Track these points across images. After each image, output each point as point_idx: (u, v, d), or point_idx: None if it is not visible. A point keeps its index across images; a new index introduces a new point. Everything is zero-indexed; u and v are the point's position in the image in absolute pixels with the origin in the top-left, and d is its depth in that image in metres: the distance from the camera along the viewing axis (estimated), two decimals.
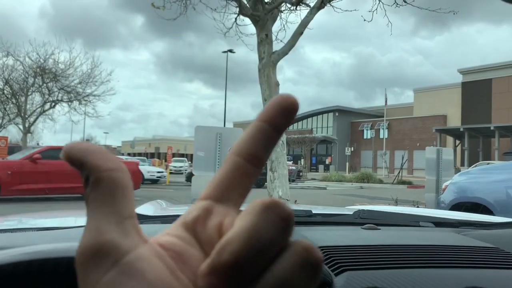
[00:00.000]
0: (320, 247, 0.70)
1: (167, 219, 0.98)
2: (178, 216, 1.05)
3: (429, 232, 0.87)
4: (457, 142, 38.96)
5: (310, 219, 0.93)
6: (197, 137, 4.82)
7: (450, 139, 39.95)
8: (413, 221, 0.94)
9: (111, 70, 20.40)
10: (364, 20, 6.21)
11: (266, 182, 5.47)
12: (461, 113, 41.20)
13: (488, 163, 19.73)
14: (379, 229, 0.85)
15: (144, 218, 0.99)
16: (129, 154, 56.67)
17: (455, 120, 41.51)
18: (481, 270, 0.63)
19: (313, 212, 0.96)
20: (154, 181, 22.13)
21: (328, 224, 0.92)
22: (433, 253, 0.68)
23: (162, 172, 23.24)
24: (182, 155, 54.01)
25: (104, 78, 19.11)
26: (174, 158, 38.98)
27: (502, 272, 0.63)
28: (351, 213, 0.97)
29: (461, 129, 37.20)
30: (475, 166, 20.75)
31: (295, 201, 6.23)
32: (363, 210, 0.95)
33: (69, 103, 18.81)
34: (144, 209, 1.23)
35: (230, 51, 34.12)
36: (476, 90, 39.92)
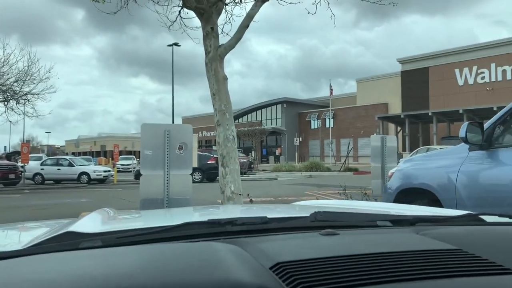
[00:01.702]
0: (279, 263, 0.66)
1: (109, 238, 0.84)
2: (122, 232, 0.92)
3: (387, 234, 0.85)
4: (399, 128, 40.78)
5: (265, 226, 0.88)
6: (144, 135, 4.65)
7: (392, 126, 41.76)
8: (370, 221, 0.93)
9: (51, 67, 19.13)
10: (308, 12, 6.26)
11: (218, 177, 5.41)
12: (401, 100, 43.08)
13: (428, 148, 20.83)
14: (338, 233, 0.82)
15: (80, 237, 0.84)
16: (73, 154, 54.39)
17: (396, 108, 43.37)
18: (446, 281, 0.60)
19: (268, 217, 0.92)
20: (101, 181, 21.48)
21: (284, 231, 0.88)
22: (394, 262, 0.65)
23: (109, 171, 22.62)
24: (130, 153, 52.62)
25: (42, 75, 18.03)
26: (121, 156, 38.02)
27: (467, 281, 0.60)
28: (308, 215, 0.93)
29: (402, 116, 38.99)
30: (417, 151, 21.84)
31: (248, 194, 6.21)
32: (320, 212, 0.92)
33: (5, 102, 17.63)
34: (86, 223, 1.11)
35: (176, 44, 33.47)
36: (414, 79, 41.89)
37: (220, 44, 5.29)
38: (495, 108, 30.08)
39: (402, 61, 43.91)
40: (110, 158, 41.42)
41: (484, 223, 0.96)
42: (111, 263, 0.67)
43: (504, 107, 3.29)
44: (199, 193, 12.18)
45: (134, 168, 27.71)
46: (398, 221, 0.94)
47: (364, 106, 46.35)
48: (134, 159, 37.18)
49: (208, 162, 20.05)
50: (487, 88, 36.80)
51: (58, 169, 21.25)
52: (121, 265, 0.66)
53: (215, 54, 5.15)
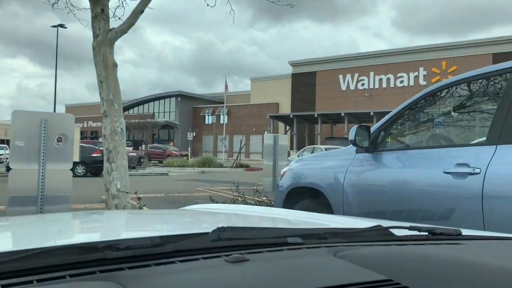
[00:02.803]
0: None
1: None
2: None
3: (303, 258, 0.74)
4: (287, 127, 42.81)
5: (158, 250, 0.70)
6: (16, 124, 4.05)
7: (281, 125, 43.68)
8: (279, 237, 0.82)
9: None
10: (208, 5, 6.10)
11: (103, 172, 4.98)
12: (290, 101, 45.25)
13: (314, 147, 22.22)
14: (248, 260, 0.69)
15: None
16: None
17: (286, 108, 45.42)
18: None
19: (161, 235, 0.74)
20: None
21: (182, 255, 0.71)
22: None
23: None
24: (2, 141, 47.20)
25: None
26: None
27: None
28: (209, 231, 0.78)
29: (291, 116, 41.02)
30: (303, 150, 23.13)
31: (136, 192, 5.85)
32: (223, 228, 0.77)
33: None
34: None
35: (61, 26, 30.77)
36: (303, 81, 44.28)
37: (111, 28, 4.87)
38: (371, 113, 33.21)
39: (293, 64, 46.09)
40: None
41: (396, 237, 0.92)
42: None
43: (379, 112, 3.54)
44: (82, 188, 11.27)
45: (7, 158, 24.89)
46: (309, 236, 0.84)
47: (257, 104, 47.70)
48: (6, 149, 33.38)
49: (93, 155, 18.78)
50: (366, 94, 40.44)
51: None
52: None
53: (105, 38, 4.71)
